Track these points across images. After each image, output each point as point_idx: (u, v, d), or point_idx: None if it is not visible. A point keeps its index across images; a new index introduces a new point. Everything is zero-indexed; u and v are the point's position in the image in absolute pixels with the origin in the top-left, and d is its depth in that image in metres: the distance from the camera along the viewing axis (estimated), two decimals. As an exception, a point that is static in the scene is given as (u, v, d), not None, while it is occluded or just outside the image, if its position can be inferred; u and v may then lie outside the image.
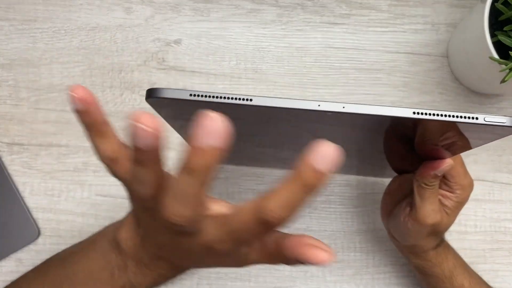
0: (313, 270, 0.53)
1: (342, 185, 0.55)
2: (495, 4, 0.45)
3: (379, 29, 0.57)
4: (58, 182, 0.54)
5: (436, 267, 0.45)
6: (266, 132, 0.35)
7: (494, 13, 0.45)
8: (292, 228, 0.54)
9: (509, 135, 0.29)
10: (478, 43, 0.46)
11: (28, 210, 0.53)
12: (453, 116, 0.27)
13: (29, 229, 0.53)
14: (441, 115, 0.27)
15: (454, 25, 0.56)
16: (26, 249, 0.53)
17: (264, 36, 0.56)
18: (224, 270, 0.53)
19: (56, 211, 0.53)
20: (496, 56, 0.44)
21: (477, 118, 0.27)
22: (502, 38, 0.44)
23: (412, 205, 0.41)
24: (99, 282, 0.34)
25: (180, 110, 0.31)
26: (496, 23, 0.45)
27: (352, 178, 0.55)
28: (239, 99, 0.27)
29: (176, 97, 0.28)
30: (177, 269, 0.33)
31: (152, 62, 0.55)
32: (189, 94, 0.28)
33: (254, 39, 0.56)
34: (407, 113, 0.27)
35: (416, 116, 0.27)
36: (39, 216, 0.53)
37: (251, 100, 0.27)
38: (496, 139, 0.32)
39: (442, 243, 0.45)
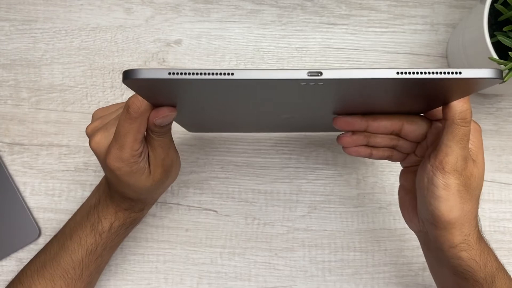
0: (313, 270, 0.54)
1: (341, 185, 0.55)
2: (495, 4, 0.45)
3: (378, 29, 0.57)
4: (59, 182, 0.54)
5: (480, 270, 0.39)
6: (250, 100, 0.35)
7: (494, 13, 0.45)
8: (291, 228, 0.54)
9: (494, 84, 0.30)
10: (478, 43, 0.46)
11: (29, 210, 0.53)
12: (439, 73, 0.28)
13: (30, 228, 0.53)
14: (426, 73, 0.28)
15: (453, 26, 0.57)
16: (26, 248, 0.53)
17: (264, 37, 0.56)
18: (224, 270, 0.53)
19: (57, 211, 0.54)
20: (495, 56, 0.44)
21: (460, 73, 0.28)
22: (502, 38, 0.44)
23: (435, 154, 0.38)
24: (79, 226, 0.45)
25: (160, 88, 0.30)
26: (496, 23, 0.46)
27: (352, 177, 0.55)
28: (221, 74, 0.27)
29: (155, 77, 0.27)
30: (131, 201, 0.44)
31: (152, 62, 0.56)
32: (168, 72, 0.27)
33: (254, 39, 0.56)
34: (390, 74, 0.28)
35: (400, 76, 0.28)
36: (40, 216, 0.53)
37: (232, 74, 0.27)
38: (480, 90, 0.33)
39: (482, 237, 0.41)
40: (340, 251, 0.54)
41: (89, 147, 0.54)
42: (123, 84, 0.55)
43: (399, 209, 0.54)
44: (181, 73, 0.27)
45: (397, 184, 0.55)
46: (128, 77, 0.27)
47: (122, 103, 0.44)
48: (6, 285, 0.46)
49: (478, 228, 0.40)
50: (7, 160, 0.54)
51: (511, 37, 0.44)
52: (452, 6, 0.57)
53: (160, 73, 0.27)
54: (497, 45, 0.45)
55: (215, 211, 0.54)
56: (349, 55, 0.56)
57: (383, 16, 0.57)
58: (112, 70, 0.55)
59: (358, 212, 0.54)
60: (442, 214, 0.37)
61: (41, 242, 0.53)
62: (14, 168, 0.54)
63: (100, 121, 0.41)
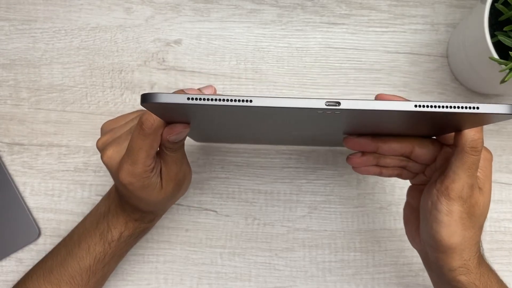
0: (313, 270, 0.53)
1: (342, 185, 0.55)
2: (495, 4, 0.45)
3: (379, 29, 0.57)
4: (59, 182, 0.54)
5: None
6: (263, 121, 0.36)
7: (494, 13, 0.45)
8: (291, 228, 0.54)
9: (509, 119, 0.30)
10: (478, 43, 0.46)
11: (29, 210, 0.53)
12: (456, 107, 0.28)
13: (30, 229, 0.53)
14: (444, 107, 0.28)
15: (453, 25, 0.57)
16: (26, 248, 0.53)
17: (264, 36, 0.56)
18: (224, 270, 0.53)
19: (57, 211, 0.54)
20: (496, 56, 0.44)
21: (478, 108, 0.29)
22: (502, 38, 0.44)
23: (442, 179, 0.38)
24: (88, 234, 0.44)
25: (176, 110, 0.30)
26: (496, 23, 0.46)
27: (353, 177, 0.55)
28: (239, 100, 0.27)
29: (174, 101, 0.27)
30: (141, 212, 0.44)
31: (152, 62, 0.55)
32: (187, 98, 0.27)
33: (254, 39, 0.56)
34: (408, 106, 0.28)
35: (418, 109, 0.28)
36: (40, 216, 0.53)
37: (251, 101, 0.27)
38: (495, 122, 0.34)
39: (483, 261, 0.41)
40: (340, 251, 0.54)
41: (88, 147, 0.54)
42: (122, 84, 0.55)
43: (399, 210, 0.54)
44: (200, 99, 0.27)
45: (397, 184, 0.55)
46: (147, 100, 0.27)
47: (130, 114, 0.44)
48: (7, 286, 0.46)
49: (479, 253, 0.40)
50: (7, 160, 0.54)
51: (512, 37, 0.44)
52: (452, 5, 0.57)
53: (179, 98, 0.27)
54: (498, 45, 0.44)
55: (215, 211, 0.54)
56: (350, 55, 0.56)
57: (383, 16, 0.57)
58: (112, 70, 0.55)
59: (358, 212, 0.54)
60: (442, 239, 0.38)
61: (41, 242, 0.53)
62: (14, 168, 0.54)
63: (110, 134, 0.41)
